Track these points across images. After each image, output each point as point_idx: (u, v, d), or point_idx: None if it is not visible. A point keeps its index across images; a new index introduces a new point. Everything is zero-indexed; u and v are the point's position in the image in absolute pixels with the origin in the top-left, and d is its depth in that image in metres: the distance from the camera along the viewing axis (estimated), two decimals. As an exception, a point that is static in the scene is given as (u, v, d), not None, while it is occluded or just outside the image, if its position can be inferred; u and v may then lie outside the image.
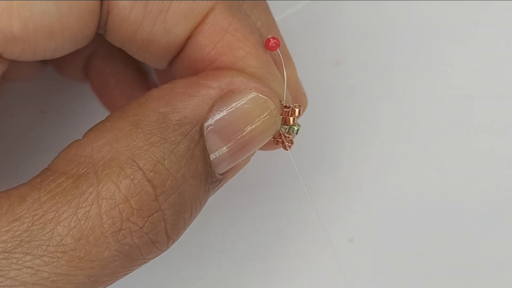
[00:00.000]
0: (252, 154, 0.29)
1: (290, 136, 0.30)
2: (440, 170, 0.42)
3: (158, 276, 0.41)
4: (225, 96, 0.27)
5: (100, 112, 0.40)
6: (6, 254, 0.24)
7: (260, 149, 0.30)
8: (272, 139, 0.30)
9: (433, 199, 0.42)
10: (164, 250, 0.27)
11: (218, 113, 0.27)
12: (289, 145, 0.30)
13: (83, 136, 0.27)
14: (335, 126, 0.43)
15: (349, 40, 0.44)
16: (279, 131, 0.29)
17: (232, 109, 0.27)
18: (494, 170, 0.42)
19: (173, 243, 0.27)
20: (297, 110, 0.29)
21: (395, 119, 0.43)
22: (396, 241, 0.42)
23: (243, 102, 0.27)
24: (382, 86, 0.43)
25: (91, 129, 0.27)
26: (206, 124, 0.27)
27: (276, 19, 0.33)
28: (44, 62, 0.38)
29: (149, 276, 0.40)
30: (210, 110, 0.27)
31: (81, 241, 0.24)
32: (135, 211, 0.25)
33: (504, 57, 0.44)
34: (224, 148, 0.27)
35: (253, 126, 0.28)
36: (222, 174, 0.28)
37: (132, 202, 0.25)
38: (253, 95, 0.28)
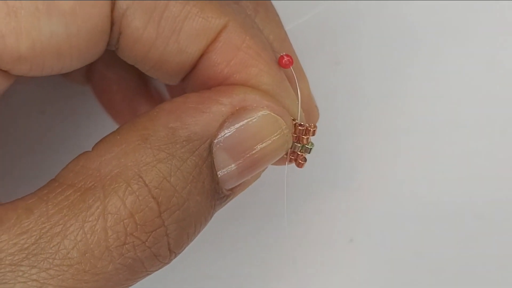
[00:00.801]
0: (263, 171, 0.29)
1: (303, 154, 0.30)
2: (440, 170, 0.43)
3: (158, 276, 0.41)
4: (237, 113, 0.27)
5: (100, 113, 0.40)
6: (13, 267, 0.24)
7: (275, 164, 0.30)
8: (285, 156, 0.29)
9: (433, 199, 0.42)
10: (167, 263, 0.27)
11: (229, 130, 0.27)
12: (302, 162, 0.30)
13: (93, 148, 0.27)
14: (335, 126, 0.43)
15: (349, 40, 0.43)
16: (292, 149, 0.29)
17: (243, 126, 0.27)
18: (495, 170, 0.43)
19: (175, 256, 0.27)
20: (311, 130, 0.29)
21: (395, 119, 0.43)
22: (396, 241, 0.42)
23: (254, 120, 0.27)
24: (382, 86, 0.43)
25: (100, 141, 0.27)
26: (215, 141, 0.27)
27: (286, 28, 0.33)
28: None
29: (149, 276, 0.40)
30: (221, 127, 0.27)
31: (86, 254, 0.25)
32: (139, 226, 0.25)
33: (503, 57, 0.44)
34: (233, 165, 0.27)
35: (264, 144, 0.28)
36: (230, 189, 0.28)
37: (136, 218, 0.25)
38: (265, 113, 0.27)
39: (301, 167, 0.30)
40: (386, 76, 0.43)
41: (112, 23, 0.27)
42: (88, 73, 0.38)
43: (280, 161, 0.30)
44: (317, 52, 0.43)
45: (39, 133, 0.41)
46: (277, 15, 0.32)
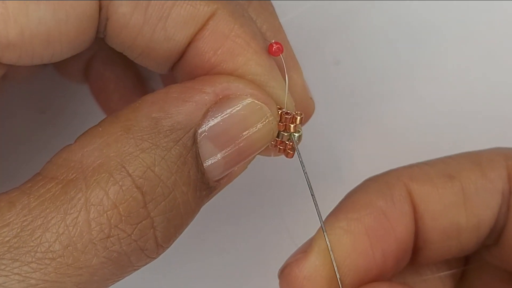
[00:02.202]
0: (250, 161, 0.29)
1: (291, 143, 0.29)
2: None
3: (158, 276, 0.41)
4: (220, 102, 0.27)
5: (100, 113, 0.40)
6: None
7: (262, 154, 0.30)
8: (274, 146, 0.29)
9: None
10: (155, 258, 0.27)
11: (213, 119, 0.26)
12: (291, 152, 0.29)
13: (75, 141, 0.26)
14: (335, 126, 0.43)
15: (349, 40, 0.43)
16: (280, 139, 0.29)
17: (227, 115, 0.27)
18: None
19: (163, 250, 0.27)
20: (298, 118, 0.29)
21: (395, 119, 0.43)
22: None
23: (238, 108, 0.27)
24: (382, 86, 0.43)
25: (83, 133, 0.26)
26: (199, 130, 0.26)
27: (284, 19, 0.32)
28: (44, 63, 0.38)
29: (149, 276, 0.40)
30: (204, 116, 0.26)
31: (69, 247, 0.24)
32: (123, 218, 0.25)
33: (503, 57, 0.44)
34: (218, 155, 0.27)
35: (249, 133, 0.27)
36: (217, 181, 0.28)
37: (120, 209, 0.25)
38: (249, 101, 0.27)
39: (290, 157, 0.29)
40: (386, 76, 0.43)
41: (99, 9, 0.27)
42: (86, 71, 0.38)
43: (268, 151, 0.29)
44: (317, 51, 0.43)
45: (39, 133, 0.41)
46: (271, 5, 0.32)
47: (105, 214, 0.24)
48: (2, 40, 0.25)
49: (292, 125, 0.29)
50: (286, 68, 0.29)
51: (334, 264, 0.29)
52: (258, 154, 0.29)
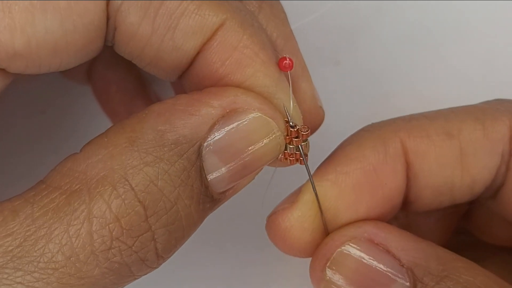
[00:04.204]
0: (257, 173, 0.28)
1: (299, 153, 0.29)
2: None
3: (158, 276, 0.41)
4: (227, 116, 0.27)
5: (100, 113, 0.40)
6: None
7: (272, 166, 0.30)
8: (285, 159, 0.29)
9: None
10: (155, 268, 0.27)
11: (218, 133, 0.26)
12: (302, 158, 0.29)
13: (81, 150, 0.26)
14: (335, 126, 0.42)
15: (349, 40, 0.43)
16: (288, 151, 0.29)
17: (233, 129, 0.26)
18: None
19: (164, 261, 0.27)
20: (303, 133, 0.28)
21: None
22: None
23: (245, 122, 0.27)
24: (382, 86, 0.43)
25: (89, 143, 0.26)
26: (205, 144, 0.26)
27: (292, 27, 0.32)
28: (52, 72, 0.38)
29: (149, 276, 0.40)
30: (210, 130, 0.26)
31: (71, 258, 0.24)
32: (124, 230, 0.25)
33: (503, 57, 0.44)
34: (223, 169, 0.27)
35: (255, 147, 0.27)
36: (221, 193, 0.28)
37: (122, 222, 0.25)
38: (256, 116, 0.27)
39: (302, 163, 0.29)
40: (386, 76, 0.43)
41: (107, 19, 0.26)
42: (89, 73, 0.38)
43: (277, 163, 0.29)
44: (317, 52, 0.43)
45: (39, 133, 0.41)
46: (283, 11, 0.31)
47: (107, 227, 0.25)
48: (8, 50, 0.25)
49: (295, 139, 0.28)
50: (296, 77, 0.29)
51: (321, 214, 0.29)
52: (271, 165, 0.29)
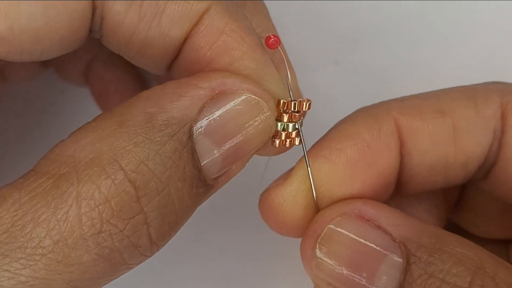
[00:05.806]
0: (248, 159, 0.28)
1: (292, 133, 0.29)
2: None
3: (158, 276, 0.40)
4: (216, 98, 0.26)
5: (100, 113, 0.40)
6: None
7: (263, 154, 0.29)
8: (283, 144, 0.29)
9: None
10: (149, 256, 0.26)
11: (209, 115, 0.26)
12: (297, 138, 0.29)
13: (69, 136, 0.26)
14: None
15: (349, 40, 0.43)
16: (287, 130, 0.29)
17: (223, 110, 0.26)
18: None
19: (158, 248, 0.26)
20: (305, 103, 0.28)
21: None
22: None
23: (234, 103, 0.26)
24: (382, 86, 0.43)
25: (77, 129, 0.26)
26: (196, 127, 0.26)
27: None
28: (45, 65, 0.38)
29: (149, 275, 0.40)
30: (200, 112, 0.26)
31: (59, 243, 0.24)
32: (115, 212, 0.24)
33: (503, 57, 0.43)
34: (216, 151, 0.26)
35: (247, 128, 0.27)
36: (215, 179, 0.27)
37: (112, 203, 0.24)
38: (246, 97, 0.27)
39: (299, 143, 0.29)
40: (386, 76, 0.43)
41: (94, 8, 0.26)
42: (86, 74, 0.38)
43: (268, 150, 0.29)
44: (317, 52, 0.43)
45: (39, 133, 0.41)
46: (265, 8, 0.32)
47: (96, 209, 0.24)
48: None
49: (297, 114, 0.28)
50: (279, 69, 0.29)
51: (313, 190, 0.29)
52: (259, 154, 0.29)
